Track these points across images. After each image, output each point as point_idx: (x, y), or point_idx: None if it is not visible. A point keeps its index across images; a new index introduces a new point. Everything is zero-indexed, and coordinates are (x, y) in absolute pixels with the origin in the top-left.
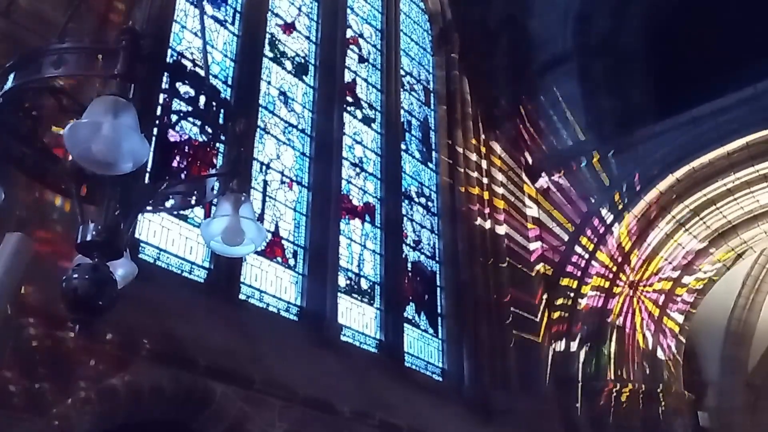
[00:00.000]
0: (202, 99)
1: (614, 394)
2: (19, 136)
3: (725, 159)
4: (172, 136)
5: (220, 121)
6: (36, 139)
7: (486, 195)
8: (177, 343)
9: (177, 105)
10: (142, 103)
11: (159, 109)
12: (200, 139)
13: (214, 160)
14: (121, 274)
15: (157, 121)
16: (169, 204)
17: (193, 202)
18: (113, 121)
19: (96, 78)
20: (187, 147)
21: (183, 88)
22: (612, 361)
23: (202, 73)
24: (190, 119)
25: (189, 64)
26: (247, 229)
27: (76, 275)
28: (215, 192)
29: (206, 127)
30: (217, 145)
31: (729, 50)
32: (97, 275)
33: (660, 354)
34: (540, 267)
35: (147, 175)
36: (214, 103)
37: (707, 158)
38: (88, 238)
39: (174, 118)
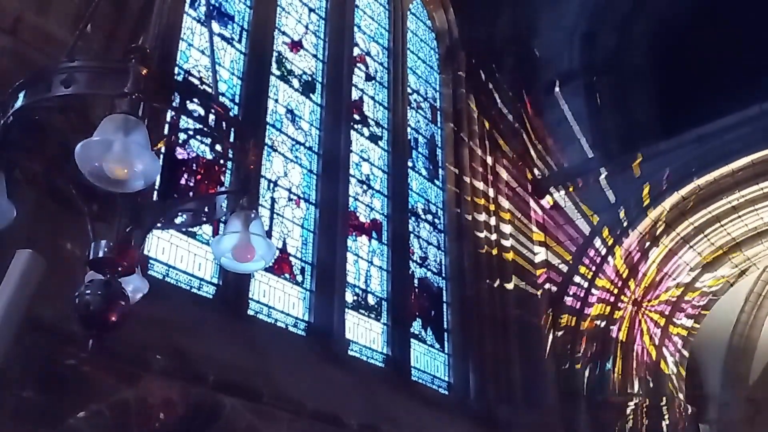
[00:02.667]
0: (212, 117)
1: (617, 407)
2: (30, 154)
3: (730, 177)
4: (180, 153)
5: (230, 139)
6: (45, 156)
7: (492, 212)
8: (186, 358)
9: (185, 123)
10: (151, 121)
11: (167, 127)
12: (208, 157)
13: (222, 178)
14: (133, 290)
15: (165, 139)
16: (178, 221)
17: (203, 219)
18: (124, 138)
19: (106, 96)
20: (195, 165)
21: (191, 106)
22: (616, 375)
23: (210, 90)
24: (199, 137)
25: (196, 82)
26: (257, 245)
27: (88, 291)
28: (225, 209)
29: (215, 145)
30: (226, 162)
31: (734, 69)
32: (109, 291)
33: (663, 368)
34: (545, 281)
35: (155, 192)
36: (223, 122)
37: (712, 176)
38: (100, 254)
39: (183, 136)
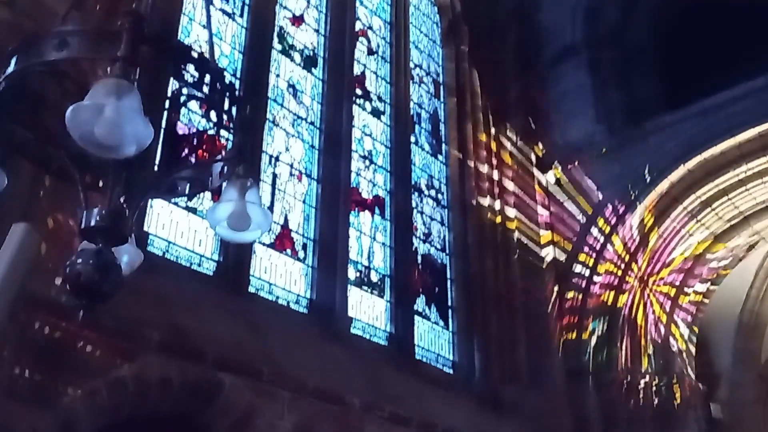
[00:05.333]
0: (207, 78)
1: (626, 386)
2: (22, 121)
3: (737, 149)
4: (181, 129)
5: (226, 105)
6: (39, 125)
7: (496, 187)
8: (186, 336)
9: (184, 91)
10: (150, 89)
11: (167, 96)
12: (208, 132)
13: (223, 153)
14: (127, 261)
15: (166, 104)
16: (177, 191)
17: (199, 188)
18: (116, 103)
19: (100, 61)
20: (195, 139)
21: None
22: (623, 353)
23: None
24: (198, 112)
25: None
26: (253, 214)
27: (79, 260)
28: (222, 177)
29: (211, 112)
30: (225, 136)
31: (739, 41)
32: (101, 260)
33: (672, 346)
34: (550, 257)
35: (156, 166)
36: (219, 86)
37: (718, 149)
38: (92, 223)
39: (182, 100)
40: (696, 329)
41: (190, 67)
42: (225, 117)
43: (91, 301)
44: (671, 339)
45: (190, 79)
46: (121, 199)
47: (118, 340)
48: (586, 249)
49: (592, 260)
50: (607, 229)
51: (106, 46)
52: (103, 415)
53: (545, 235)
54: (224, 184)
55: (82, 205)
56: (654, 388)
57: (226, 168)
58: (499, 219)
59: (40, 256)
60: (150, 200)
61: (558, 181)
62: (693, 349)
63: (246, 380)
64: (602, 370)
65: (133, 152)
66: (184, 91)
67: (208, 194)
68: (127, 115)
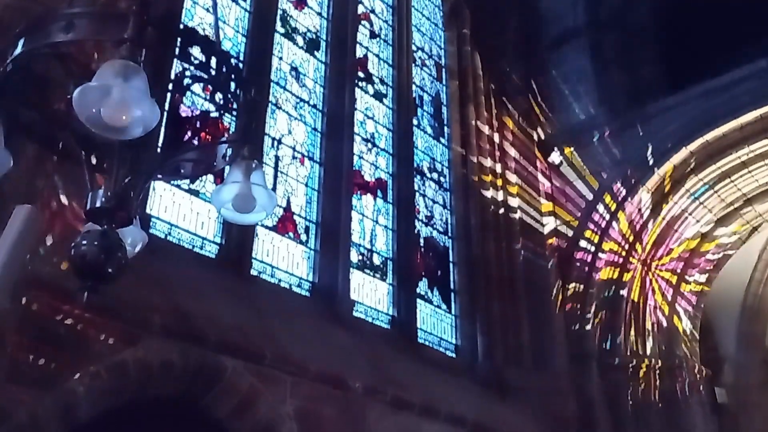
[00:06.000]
0: (213, 61)
1: (630, 369)
2: (28, 103)
3: (738, 132)
4: (184, 111)
5: (231, 87)
6: (45, 107)
7: (498, 170)
8: (188, 319)
9: (188, 73)
10: (155, 71)
11: (172, 78)
12: (212, 115)
13: (226, 135)
14: (131, 243)
15: (170, 86)
16: (180, 173)
17: (204, 170)
18: (123, 84)
19: (106, 44)
20: (198, 122)
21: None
22: (627, 336)
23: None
24: (201, 95)
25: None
26: (258, 195)
27: (84, 242)
28: (226, 159)
29: (216, 95)
30: (229, 119)
31: (741, 23)
32: (106, 242)
33: (676, 329)
34: (551, 227)
35: (159, 148)
36: (224, 68)
37: (720, 131)
38: (98, 204)
39: (186, 82)
40: (699, 313)
41: (195, 50)
42: (230, 99)
43: (96, 282)
44: (675, 323)
45: (195, 62)
46: (126, 181)
47: (120, 323)
48: (591, 226)
49: (597, 237)
50: (614, 206)
51: (112, 28)
52: (104, 399)
53: (546, 204)
54: (227, 167)
55: (86, 187)
56: (658, 372)
57: (230, 150)
58: (501, 201)
59: (44, 237)
60: (152, 182)
61: (562, 162)
62: (697, 333)
63: (248, 364)
64: (606, 354)
65: (140, 133)
66: (188, 73)
67: (210, 177)
68: (134, 96)
